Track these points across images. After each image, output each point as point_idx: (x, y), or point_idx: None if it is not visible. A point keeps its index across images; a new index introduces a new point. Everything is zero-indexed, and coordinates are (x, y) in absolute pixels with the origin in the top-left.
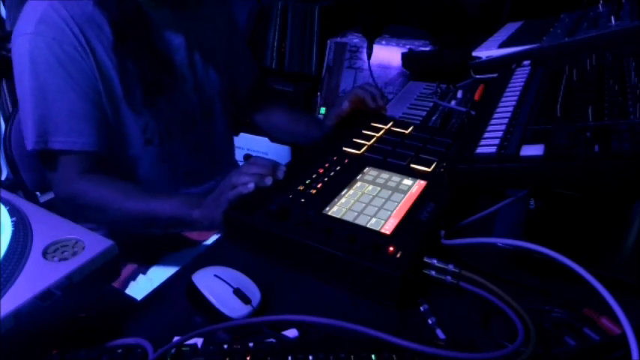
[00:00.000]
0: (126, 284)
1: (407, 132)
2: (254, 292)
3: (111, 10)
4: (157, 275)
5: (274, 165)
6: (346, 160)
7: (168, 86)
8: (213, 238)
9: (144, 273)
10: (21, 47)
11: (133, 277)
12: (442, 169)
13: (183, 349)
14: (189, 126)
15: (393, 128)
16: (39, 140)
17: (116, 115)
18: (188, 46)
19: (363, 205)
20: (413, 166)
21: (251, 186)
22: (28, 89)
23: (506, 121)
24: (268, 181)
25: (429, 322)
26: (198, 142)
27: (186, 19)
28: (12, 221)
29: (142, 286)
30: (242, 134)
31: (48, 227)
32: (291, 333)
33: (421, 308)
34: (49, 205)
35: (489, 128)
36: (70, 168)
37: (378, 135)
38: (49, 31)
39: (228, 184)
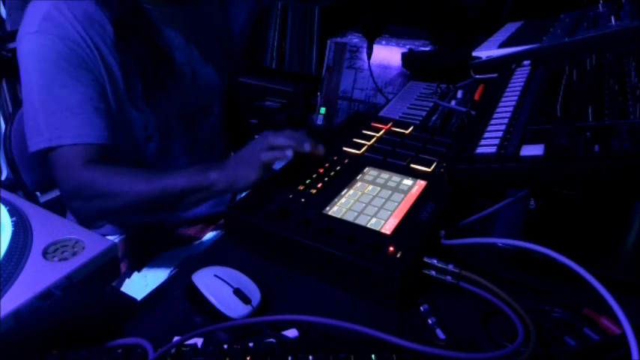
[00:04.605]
0: (121, 282)
1: (407, 132)
2: (254, 292)
3: (112, 8)
4: (152, 273)
5: (310, 138)
6: (346, 160)
7: (168, 83)
8: (208, 236)
9: (138, 271)
10: (26, 46)
11: (127, 274)
12: (442, 169)
13: (183, 349)
14: (188, 123)
15: (393, 128)
16: (52, 137)
17: (120, 112)
18: (187, 43)
19: (363, 205)
20: (413, 166)
21: (289, 153)
22: (36, 87)
23: (506, 121)
24: (307, 146)
25: (429, 322)
26: (195, 139)
27: (185, 17)
28: (12, 221)
29: (136, 284)
30: None
31: (48, 227)
32: (291, 333)
33: (421, 308)
34: (49, 205)
35: (489, 128)
36: (76, 160)
37: (378, 135)
38: (53, 29)
39: (262, 145)
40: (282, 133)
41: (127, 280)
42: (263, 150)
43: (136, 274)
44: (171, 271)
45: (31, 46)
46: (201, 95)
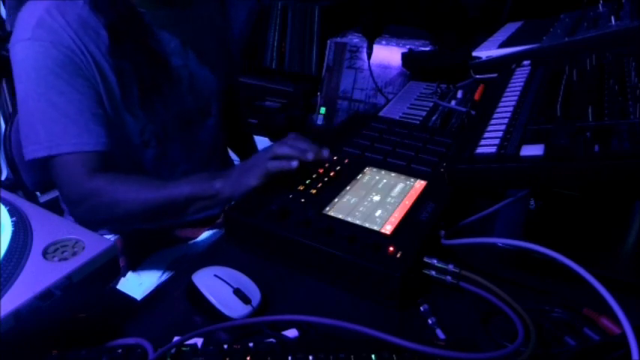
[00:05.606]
0: (116, 281)
1: (407, 132)
2: (254, 292)
3: (105, 13)
4: (146, 272)
5: (314, 144)
6: (346, 160)
7: (164, 87)
8: (203, 236)
9: (133, 270)
10: (20, 53)
11: (123, 273)
12: (442, 169)
13: (183, 349)
14: (185, 127)
15: (393, 128)
16: (51, 145)
17: (116, 118)
18: (183, 47)
19: (363, 205)
20: (413, 166)
21: (295, 164)
22: (32, 94)
23: (506, 121)
24: (310, 156)
25: (429, 322)
26: (193, 142)
27: (181, 20)
28: (12, 221)
29: (131, 283)
30: None
31: (48, 227)
32: (291, 333)
33: (421, 308)
34: (49, 205)
35: (489, 128)
36: (80, 168)
37: (378, 135)
38: (46, 36)
39: (269, 154)
40: (286, 141)
41: (122, 280)
42: (269, 159)
43: (130, 274)
44: (165, 270)
45: (25, 53)
46: (199, 98)
